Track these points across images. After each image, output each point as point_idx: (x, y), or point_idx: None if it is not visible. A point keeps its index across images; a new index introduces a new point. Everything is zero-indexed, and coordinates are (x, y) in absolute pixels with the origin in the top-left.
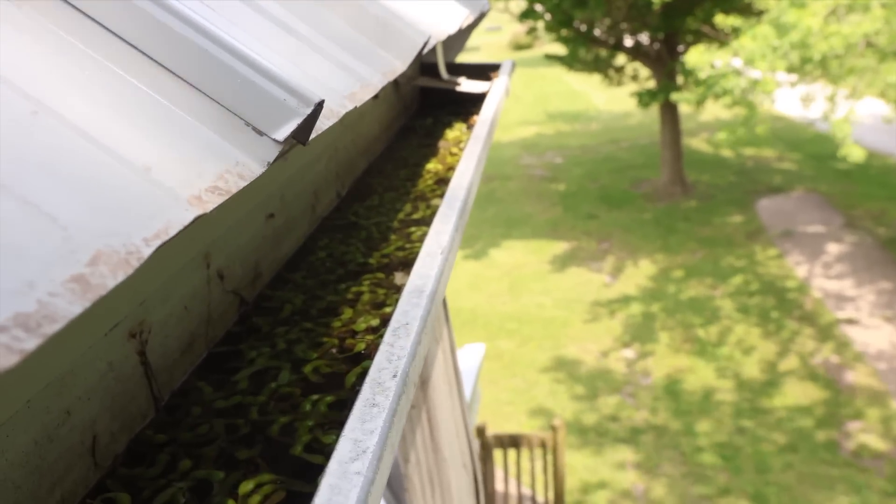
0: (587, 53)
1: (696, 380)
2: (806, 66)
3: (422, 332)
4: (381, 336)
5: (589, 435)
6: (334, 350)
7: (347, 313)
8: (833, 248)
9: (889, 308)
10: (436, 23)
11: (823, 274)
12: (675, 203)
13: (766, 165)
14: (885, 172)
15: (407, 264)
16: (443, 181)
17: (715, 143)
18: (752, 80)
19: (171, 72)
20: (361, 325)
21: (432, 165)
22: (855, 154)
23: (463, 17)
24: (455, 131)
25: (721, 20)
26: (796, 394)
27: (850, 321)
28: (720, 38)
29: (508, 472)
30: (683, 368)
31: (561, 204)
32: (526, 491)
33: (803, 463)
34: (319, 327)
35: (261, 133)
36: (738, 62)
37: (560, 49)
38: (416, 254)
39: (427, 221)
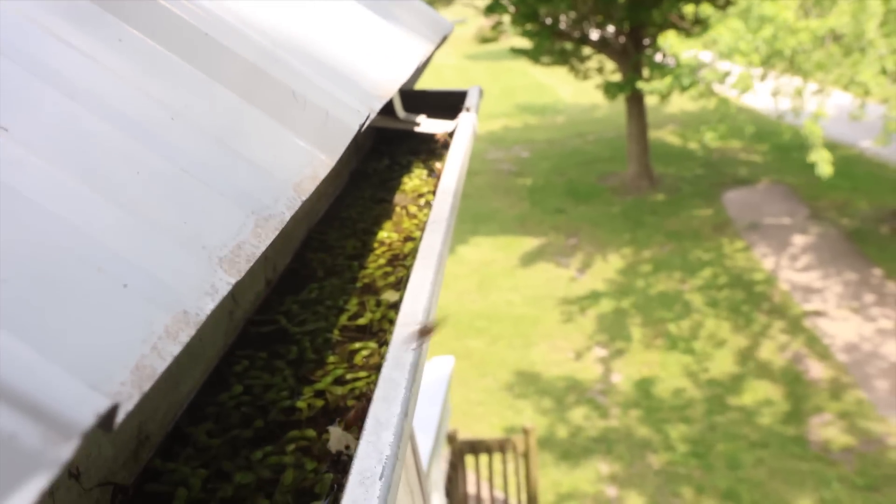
0: (553, 46)
1: (668, 376)
2: (772, 59)
3: None
4: None
5: (560, 437)
6: None
7: None
8: (799, 240)
9: (855, 299)
10: (384, 73)
11: (790, 266)
12: (642, 196)
13: (732, 157)
14: (848, 163)
15: (344, 412)
16: (397, 259)
17: (685, 136)
18: (723, 73)
19: None
20: None
21: (386, 234)
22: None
23: (421, 55)
24: (414, 179)
25: (692, 10)
26: (766, 388)
27: (818, 313)
28: (686, 30)
29: (480, 476)
30: (655, 365)
31: (528, 199)
32: (499, 494)
33: (774, 458)
34: None
35: None
36: (706, 56)
37: (525, 42)
38: (357, 392)
39: (374, 330)
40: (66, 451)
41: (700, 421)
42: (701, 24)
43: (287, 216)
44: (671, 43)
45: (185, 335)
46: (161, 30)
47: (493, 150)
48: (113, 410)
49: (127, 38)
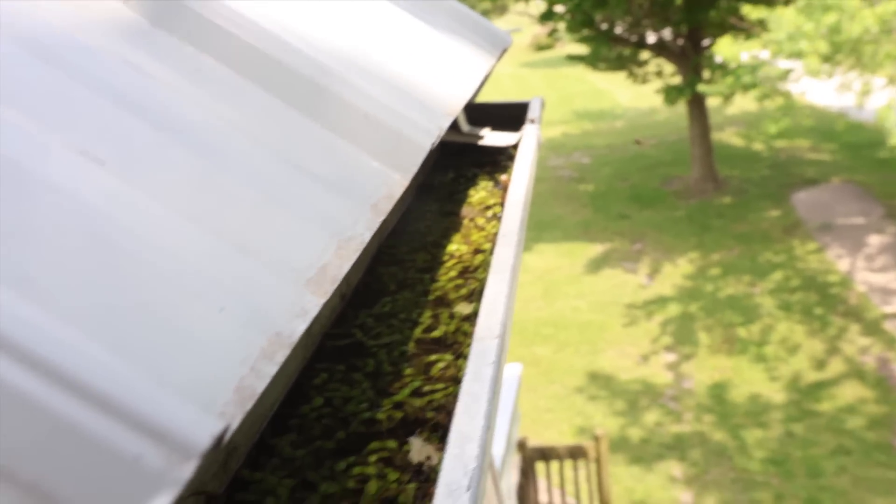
0: (609, 52)
1: (740, 382)
2: (837, 55)
3: None
4: None
5: (632, 442)
6: None
7: None
8: (875, 240)
9: None
10: (450, 90)
11: (866, 267)
12: (707, 199)
13: (800, 157)
14: None
15: (423, 423)
16: (467, 271)
17: (749, 137)
18: (784, 71)
19: None
20: None
21: (455, 246)
22: None
23: (483, 70)
24: (480, 191)
25: (748, 10)
26: (846, 393)
27: None
28: (746, 30)
29: (551, 483)
30: (726, 370)
31: (591, 205)
32: (571, 501)
33: (857, 466)
34: None
35: None
36: (765, 54)
37: (582, 49)
38: (435, 404)
39: (449, 343)
40: (187, 470)
41: (777, 427)
42: (760, 23)
43: (367, 237)
44: (724, 51)
45: (281, 356)
46: (235, 57)
47: (553, 157)
48: (224, 432)
49: (205, 67)
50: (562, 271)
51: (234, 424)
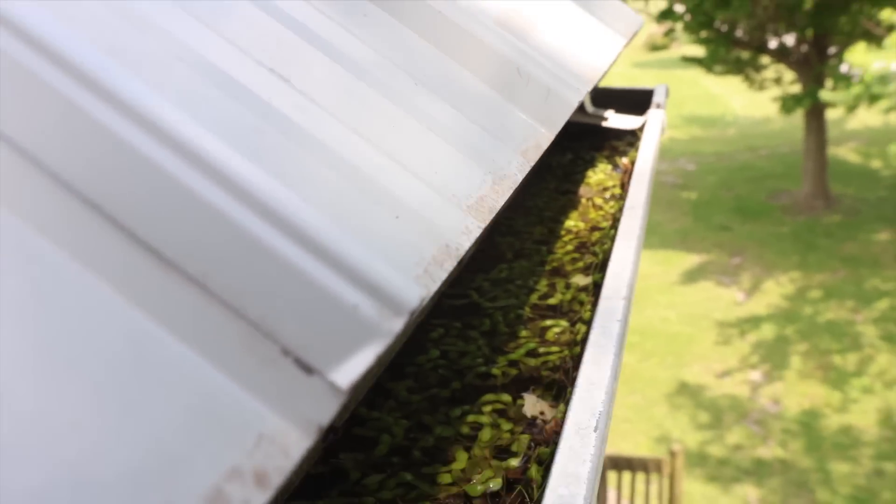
0: (727, 54)
1: (831, 411)
2: None
3: None
4: None
5: (709, 462)
6: None
7: (461, 460)
8: None
9: None
10: (588, 61)
11: None
12: (816, 217)
13: None
14: None
15: (538, 381)
16: (584, 247)
17: (868, 154)
18: None
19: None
20: (478, 486)
21: (572, 223)
22: None
23: (617, 47)
24: (599, 173)
25: (888, 14)
26: None
27: None
28: (878, 37)
29: (621, 494)
30: (817, 398)
31: (692, 214)
32: None
33: None
34: (423, 482)
35: (310, 370)
36: None
37: (697, 50)
38: (550, 365)
39: (564, 310)
40: (397, 324)
41: (867, 463)
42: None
43: (519, 178)
44: (859, 59)
45: (449, 265)
46: (397, 7)
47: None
48: (426, 297)
49: (371, 13)
50: (654, 279)
51: (417, 311)
